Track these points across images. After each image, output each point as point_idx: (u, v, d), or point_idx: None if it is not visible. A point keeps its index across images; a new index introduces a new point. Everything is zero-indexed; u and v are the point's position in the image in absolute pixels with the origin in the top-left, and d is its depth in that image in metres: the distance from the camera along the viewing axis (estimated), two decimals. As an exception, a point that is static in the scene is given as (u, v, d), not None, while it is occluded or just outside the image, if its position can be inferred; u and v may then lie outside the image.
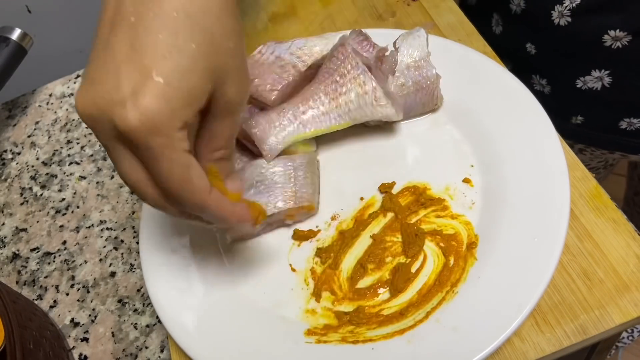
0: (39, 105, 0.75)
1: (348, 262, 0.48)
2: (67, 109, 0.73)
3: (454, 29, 0.61)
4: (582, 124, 0.68)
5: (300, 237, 0.50)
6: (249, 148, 0.53)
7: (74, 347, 0.54)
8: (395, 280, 0.46)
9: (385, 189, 0.51)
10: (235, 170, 0.38)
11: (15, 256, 0.62)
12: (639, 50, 0.58)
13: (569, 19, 0.59)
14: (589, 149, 0.72)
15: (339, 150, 0.54)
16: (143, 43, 0.31)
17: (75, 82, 0.75)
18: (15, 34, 0.69)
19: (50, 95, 0.75)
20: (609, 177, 0.93)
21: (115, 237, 0.60)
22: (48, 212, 0.64)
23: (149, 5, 0.32)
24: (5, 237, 0.63)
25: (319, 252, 0.49)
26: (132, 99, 0.31)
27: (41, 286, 0.59)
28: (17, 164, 0.70)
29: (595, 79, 0.62)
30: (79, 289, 0.58)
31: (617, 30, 0.57)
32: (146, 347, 0.53)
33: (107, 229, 0.61)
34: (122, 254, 0.59)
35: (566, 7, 0.58)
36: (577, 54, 0.62)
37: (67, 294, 0.58)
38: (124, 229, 0.60)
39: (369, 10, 0.66)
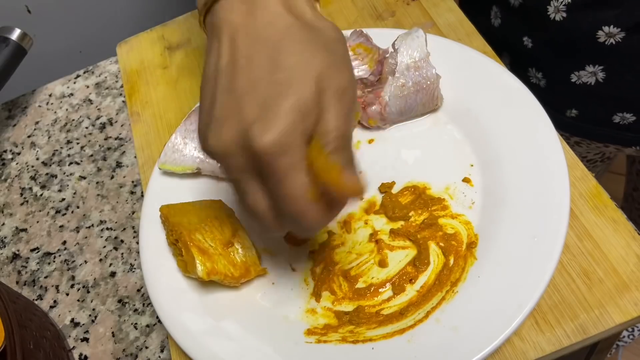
0: (39, 106, 0.75)
1: (345, 262, 0.48)
2: (66, 109, 0.73)
3: (454, 29, 0.61)
4: (576, 117, 0.68)
5: (293, 241, 0.50)
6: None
7: (74, 347, 0.54)
8: (398, 280, 0.46)
9: (385, 188, 0.51)
10: (349, 162, 0.38)
11: (15, 256, 0.62)
12: (632, 47, 0.58)
13: (564, 14, 0.59)
14: (585, 142, 0.73)
15: (339, 150, 0.54)
16: (252, 75, 0.36)
17: (75, 82, 0.75)
18: (15, 34, 0.69)
19: (50, 95, 0.75)
20: (608, 176, 0.93)
21: (115, 237, 0.60)
22: (48, 212, 0.64)
23: (258, 48, 0.37)
24: (5, 237, 0.63)
25: (311, 255, 0.49)
26: (260, 123, 0.35)
27: (41, 286, 0.59)
28: (17, 164, 0.70)
29: (590, 74, 0.63)
30: (79, 289, 0.58)
31: (611, 27, 0.57)
32: (146, 347, 0.53)
33: (107, 229, 0.61)
34: (122, 254, 0.59)
35: (562, 2, 0.59)
36: (572, 49, 0.62)
37: (67, 294, 0.58)
38: (124, 229, 0.60)
39: (368, 10, 0.66)
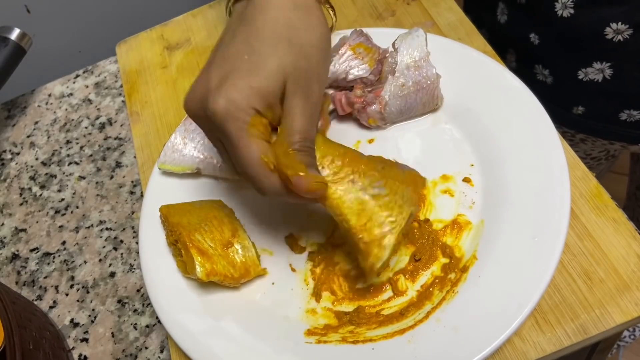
0: (38, 105, 0.74)
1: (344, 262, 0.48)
2: (66, 109, 0.73)
3: (454, 28, 0.61)
4: (583, 114, 0.68)
5: (293, 242, 0.50)
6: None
7: (73, 348, 0.54)
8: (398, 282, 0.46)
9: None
10: (312, 165, 0.41)
11: (15, 256, 0.61)
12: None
13: (572, 11, 0.59)
14: (590, 139, 0.73)
15: (339, 149, 0.54)
16: (229, 52, 0.41)
17: (74, 82, 0.75)
18: (14, 34, 0.69)
19: (50, 95, 0.75)
20: (610, 176, 0.93)
21: (115, 237, 0.60)
22: (47, 213, 0.64)
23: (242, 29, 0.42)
24: (4, 238, 0.63)
25: (311, 255, 0.49)
26: (216, 90, 0.39)
27: (41, 286, 0.59)
28: (16, 164, 0.69)
29: (597, 71, 0.63)
30: (78, 290, 0.58)
31: (619, 23, 0.57)
32: (146, 348, 0.52)
33: (107, 229, 0.61)
34: (122, 254, 0.59)
35: None
36: (579, 45, 0.62)
37: (67, 295, 0.57)
38: (124, 229, 0.60)
39: (368, 10, 0.66)
